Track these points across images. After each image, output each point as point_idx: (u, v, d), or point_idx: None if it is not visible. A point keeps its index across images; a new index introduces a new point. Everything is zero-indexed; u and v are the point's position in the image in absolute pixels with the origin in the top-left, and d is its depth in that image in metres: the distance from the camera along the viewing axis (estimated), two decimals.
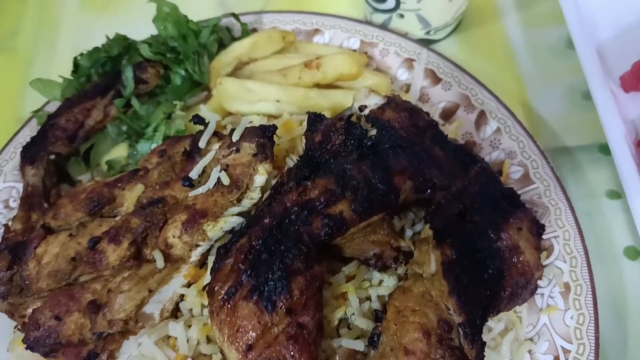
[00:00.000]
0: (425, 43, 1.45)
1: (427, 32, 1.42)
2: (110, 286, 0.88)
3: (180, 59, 1.13)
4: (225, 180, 0.89)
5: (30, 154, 1.06)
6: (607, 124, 1.22)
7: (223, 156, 0.93)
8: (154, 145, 1.04)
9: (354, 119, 1.01)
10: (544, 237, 1.00)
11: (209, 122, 0.99)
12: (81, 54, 1.22)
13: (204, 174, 0.93)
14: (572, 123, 1.34)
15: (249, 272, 0.77)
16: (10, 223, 1.05)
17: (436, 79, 1.23)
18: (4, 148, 1.28)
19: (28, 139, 1.27)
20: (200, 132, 0.98)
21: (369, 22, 1.34)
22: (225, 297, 0.77)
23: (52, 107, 1.27)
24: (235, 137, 0.92)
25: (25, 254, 0.94)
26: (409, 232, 0.93)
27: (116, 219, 0.93)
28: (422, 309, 0.80)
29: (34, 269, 0.93)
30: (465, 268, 0.85)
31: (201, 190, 0.90)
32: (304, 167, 0.90)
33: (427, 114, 0.99)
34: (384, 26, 1.43)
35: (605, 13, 1.44)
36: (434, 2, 1.30)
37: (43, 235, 0.95)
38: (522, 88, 1.41)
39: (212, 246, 0.91)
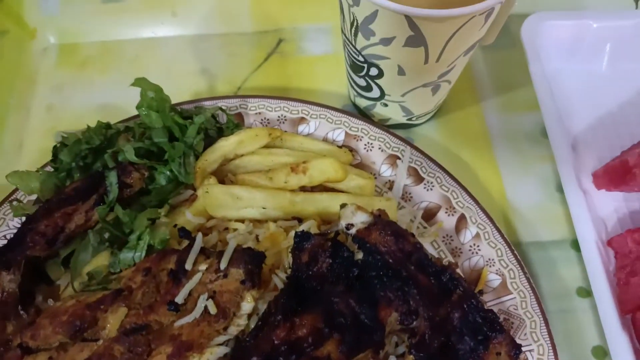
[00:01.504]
0: (406, 127, 1.49)
1: (409, 119, 1.45)
2: None
3: (165, 160, 1.12)
4: (213, 310, 0.89)
5: (6, 259, 1.02)
6: (577, 225, 1.27)
7: (210, 281, 0.92)
8: (137, 255, 1.02)
9: (341, 237, 1.03)
10: None
11: (195, 236, 0.99)
12: (61, 143, 1.19)
13: (190, 297, 0.93)
14: (546, 215, 1.39)
15: None
16: None
17: (419, 178, 1.26)
18: None
19: (1, 223, 1.24)
20: (186, 250, 0.97)
21: (353, 113, 1.36)
22: None
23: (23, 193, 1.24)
24: (223, 265, 0.92)
25: None
26: (392, 359, 0.95)
27: (98, 342, 0.91)
28: None
29: None
30: None
31: (187, 319, 0.89)
32: (291, 296, 0.91)
33: (412, 235, 1.01)
34: (367, 110, 1.45)
35: (581, 104, 1.50)
36: (418, 96, 1.32)
37: (20, 356, 0.92)
38: (497, 175, 1.45)
39: None
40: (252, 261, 0.92)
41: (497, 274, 1.15)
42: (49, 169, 1.23)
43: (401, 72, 1.22)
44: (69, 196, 1.05)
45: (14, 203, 1.17)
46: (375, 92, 1.35)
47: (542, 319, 1.09)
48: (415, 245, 0.99)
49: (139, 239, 1.03)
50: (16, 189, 1.26)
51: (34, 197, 1.24)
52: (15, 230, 1.24)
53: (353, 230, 1.01)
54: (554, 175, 1.44)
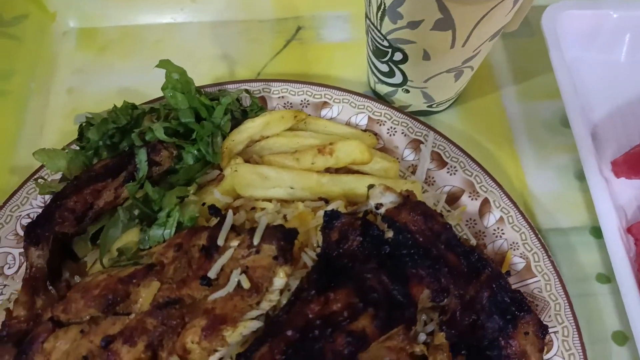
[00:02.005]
0: (426, 114, 1.50)
1: (430, 106, 1.46)
2: None
3: (193, 140, 1.12)
4: (246, 284, 0.89)
5: (35, 235, 1.03)
6: (600, 212, 1.28)
7: (242, 256, 0.93)
8: (166, 232, 1.03)
9: (369, 217, 1.03)
10: None
11: (225, 213, 0.99)
12: (87, 123, 1.19)
13: (222, 272, 0.93)
14: (565, 203, 1.39)
15: None
16: (11, 307, 1.02)
17: (442, 163, 1.27)
18: None
19: (24, 202, 1.25)
20: (217, 227, 0.97)
21: (376, 99, 1.36)
22: None
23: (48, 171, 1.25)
24: (256, 241, 0.92)
25: (31, 348, 0.92)
26: (422, 336, 0.95)
27: (130, 316, 0.92)
28: None
29: None
30: None
31: (221, 293, 0.89)
32: (322, 272, 0.91)
33: (441, 215, 1.02)
34: (388, 96, 1.46)
35: (600, 93, 1.51)
36: (440, 82, 1.33)
37: (51, 329, 0.93)
38: (517, 163, 1.45)
39: None
40: (284, 238, 0.93)
41: (521, 257, 1.16)
42: (74, 147, 1.24)
43: (426, 56, 1.22)
44: (99, 173, 1.06)
45: (39, 181, 1.18)
46: (398, 78, 1.35)
47: (566, 301, 1.10)
48: (445, 225, 1.00)
49: (168, 216, 1.03)
50: (40, 168, 1.26)
51: (57, 176, 1.24)
52: (38, 210, 1.24)
53: (382, 210, 1.01)
54: (573, 163, 1.45)
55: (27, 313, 0.99)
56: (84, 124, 1.20)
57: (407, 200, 1.01)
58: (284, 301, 0.95)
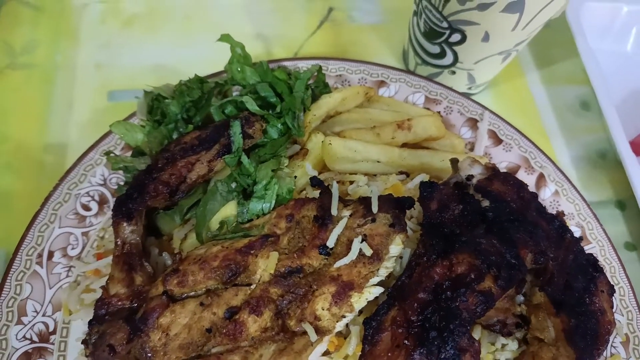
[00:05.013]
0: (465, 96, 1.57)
1: (469, 88, 1.53)
2: (254, 359, 0.87)
3: (279, 113, 1.12)
4: (368, 252, 0.91)
5: (127, 209, 0.99)
6: (636, 182, 1.39)
7: (358, 225, 0.95)
8: (265, 205, 1.02)
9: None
10: None
11: (329, 185, 1.00)
12: (158, 97, 1.15)
13: (337, 241, 0.95)
14: (591, 179, 1.52)
15: (421, 350, 0.81)
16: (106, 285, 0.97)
17: (498, 140, 1.34)
18: (55, 188, 1.17)
19: (82, 179, 1.19)
20: (324, 197, 0.98)
21: (431, 79, 1.41)
22: None
23: (109, 144, 1.20)
24: (374, 209, 0.94)
25: (146, 324, 0.89)
26: (520, 297, 1.02)
27: (251, 287, 0.91)
28: None
29: (160, 341, 0.88)
30: (580, 334, 0.96)
31: (345, 260, 0.91)
32: (436, 237, 0.95)
33: (527, 185, 1.09)
34: (429, 79, 1.51)
35: (614, 80, 1.64)
36: (488, 64, 1.40)
37: (166, 304, 0.90)
38: (548, 143, 1.57)
39: None
40: (400, 206, 0.96)
41: (577, 226, 1.26)
42: (135, 120, 1.19)
43: (486, 38, 1.29)
44: (193, 145, 1.03)
45: (111, 155, 1.12)
46: (448, 59, 1.41)
47: (620, 264, 1.21)
48: (533, 194, 1.07)
49: (266, 188, 1.03)
50: (95, 144, 1.21)
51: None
52: (99, 187, 1.19)
53: (474, 181, 1.07)
54: (594, 142, 1.58)
55: (127, 290, 0.95)
56: (154, 97, 1.15)
57: (497, 172, 1.07)
58: (397, 268, 0.98)
